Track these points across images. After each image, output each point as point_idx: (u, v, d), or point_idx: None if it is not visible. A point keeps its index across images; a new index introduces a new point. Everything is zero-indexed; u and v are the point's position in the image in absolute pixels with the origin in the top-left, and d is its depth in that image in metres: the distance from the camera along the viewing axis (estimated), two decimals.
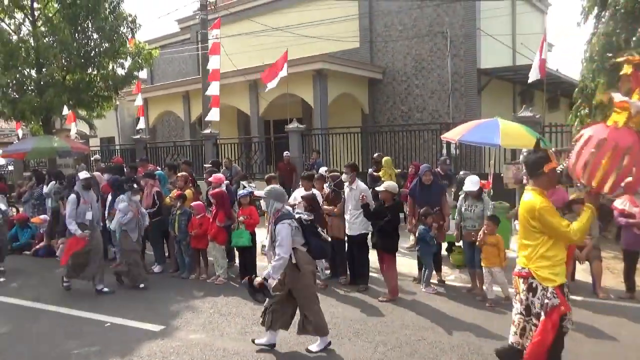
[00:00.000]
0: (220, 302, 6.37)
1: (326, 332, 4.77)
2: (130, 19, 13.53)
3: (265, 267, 4.87)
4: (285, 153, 12.87)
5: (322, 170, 8.90)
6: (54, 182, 9.56)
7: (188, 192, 8.00)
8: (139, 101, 16.07)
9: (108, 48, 13.16)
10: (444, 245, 7.52)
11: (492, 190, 7.71)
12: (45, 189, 9.82)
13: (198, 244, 7.46)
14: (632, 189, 3.59)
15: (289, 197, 8.33)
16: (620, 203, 6.28)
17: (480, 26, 15.50)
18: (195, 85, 17.37)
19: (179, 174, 8.52)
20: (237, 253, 7.65)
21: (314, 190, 7.06)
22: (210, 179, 7.90)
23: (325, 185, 7.38)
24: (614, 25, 8.42)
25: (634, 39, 8.15)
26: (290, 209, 5.00)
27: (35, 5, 13.10)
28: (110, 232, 8.01)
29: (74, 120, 14.95)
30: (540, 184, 3.41)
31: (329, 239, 5.18)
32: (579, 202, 5.12)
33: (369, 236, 6.79)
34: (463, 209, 6.57)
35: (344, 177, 7.18)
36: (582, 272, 6.68)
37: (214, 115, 13.33)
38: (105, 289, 6.93)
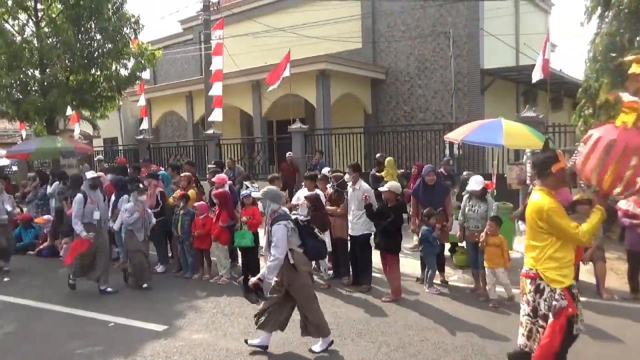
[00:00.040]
0: (223, 302, 6.38)
1: (327, 332, 4.78)
2: (133, 19, 13.52)
3: None
4: (288, 153, 12.86)
5: (325, 170, 8.90)
6: (57, 182, 9.59)
7: (191, 193, 8.03)
8: (142, 102, 16.07)
9: (111, 49, 13.17)
10: (447, 245, 7.52)
11: (495, 191, 7.70)
12: (49, 189, 9.84)
13: (201, 244, 7.48)
14: None
15: (292, 198, 8.38)
16: (625, 204, 6.25)
17: (484, 26, 15.44)
18: (198, 85, 17.37)
19: (182, 174, 8.56)
20: (240, 253, 7.68)
21: (317, 191, 7.06)
22: (213, 179, 7.92)
23: (328, 186, 7.39)
24: (618, 25, 8.40)
25: (637, 38, 8.13)
26: (286, 210, 5.01)
27: (39, 6, 13.11)
28: (113, 233, 8.04)
29: (77, 121, 14.98)
30: (548, 184, 3.38)
31: (325, 240, 5.18)
32: (583, 202, 5.09)
33: (372, 236, 6.78)
34: (466, 209, 6.57)
35: (346, 177, 7.17)
36: (586, 273, 6.65)
37: (216, 115, 13.33)
38: (109, 289, 6.96)
